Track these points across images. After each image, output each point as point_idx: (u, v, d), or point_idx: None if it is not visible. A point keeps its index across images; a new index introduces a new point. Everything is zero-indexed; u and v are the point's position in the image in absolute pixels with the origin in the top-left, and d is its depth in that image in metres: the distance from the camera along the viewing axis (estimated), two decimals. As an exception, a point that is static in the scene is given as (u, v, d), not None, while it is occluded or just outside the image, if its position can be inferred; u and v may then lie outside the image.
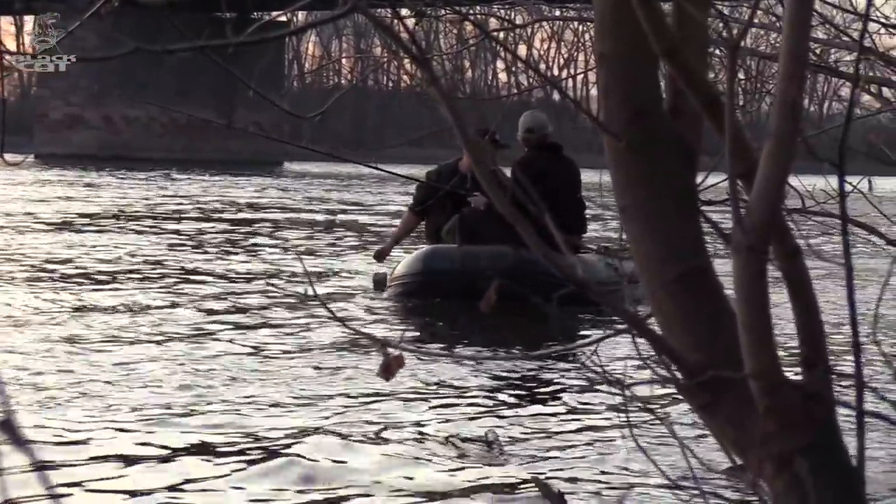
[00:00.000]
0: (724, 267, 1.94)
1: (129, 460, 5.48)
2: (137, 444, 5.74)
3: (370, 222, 23.02)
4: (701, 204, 3.24)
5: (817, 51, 5.29)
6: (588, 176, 10.72)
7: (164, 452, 5.61)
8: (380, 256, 11.74)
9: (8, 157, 2.57)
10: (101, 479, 5.20)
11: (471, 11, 6.86)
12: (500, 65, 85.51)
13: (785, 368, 1.85)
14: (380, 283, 11.41)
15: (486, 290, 2.11)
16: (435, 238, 11.22)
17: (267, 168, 53.76)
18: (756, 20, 6.06)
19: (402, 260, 11.25)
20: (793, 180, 3.39)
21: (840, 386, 1.99)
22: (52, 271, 12.72)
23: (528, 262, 9.42)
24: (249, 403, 6.64)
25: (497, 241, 10.09)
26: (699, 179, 2.23)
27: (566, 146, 11.43)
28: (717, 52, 4.35)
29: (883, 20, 5.50)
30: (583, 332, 9.00)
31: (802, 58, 1.82)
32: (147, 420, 6.19)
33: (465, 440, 5.97)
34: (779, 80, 1.81)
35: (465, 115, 1.88)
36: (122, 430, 5.98)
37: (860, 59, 3.90)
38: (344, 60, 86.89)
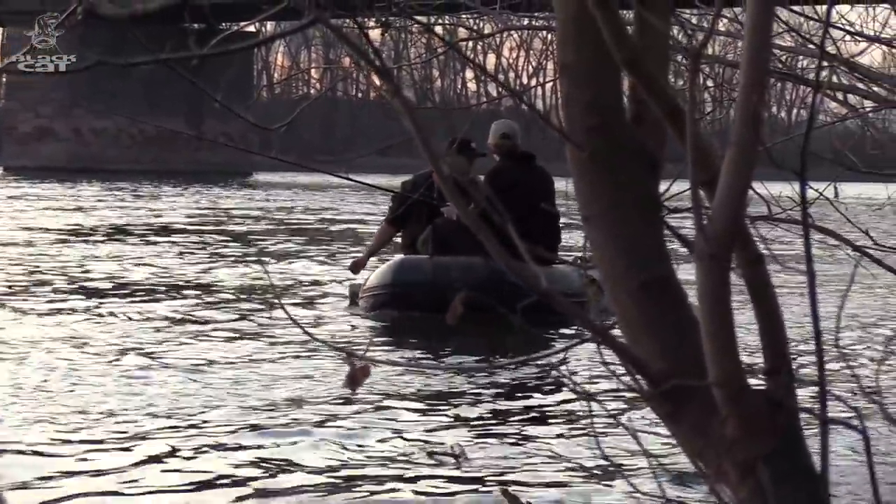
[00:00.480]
0: (688, 275, 1.94)
1: (88, 469, 5.47)
2: (91, 453, 5.74)
3: (347, 231, 23.01)
4: (667, 212, 3.25)
5: (783, 58, 5.30)
6: (558, 185, 10.71)
7: (122, 465, 5.62)
8: (356, 268, 11.61)
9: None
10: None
11: (439, 21, 6.88)
12: (469, 74, 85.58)
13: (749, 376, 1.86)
14: (356, 294, 11.34)
15: (457, 302, 2.10)
16: (411, 249, 11.10)
17: (237, 178, 53.66)
18: (724, 28, 6.09)
19: (374, 271, 11.17)
20: (760, 187, 3.41)
21: (804, 393, 2.00)
22: (31, 286, 12.67)
23: (500, 273, 9.38)
24: (215, 415, 6.62)
25: (470, 251, 9.97)
26: (663, 187, 2.24)
27: (536, 155, 11.34)
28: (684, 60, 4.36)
29: (848, 27, 5.52)
30: (551, 342, 8.99)
31: (763, 66, 1.82)
32: (107, 431, 6.18)
33: (431, 453, 5.96)
34: (740, 87, 1.81)
35: (432, 125, 1.88)
36: (82, 440, 5.97)
37: (821, 66, 3.92)
38: (313, 71, 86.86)
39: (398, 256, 11.18)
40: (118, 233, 20.58)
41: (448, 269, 10.30)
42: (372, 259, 11.64)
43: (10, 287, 12.30)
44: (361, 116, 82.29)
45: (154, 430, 6.25)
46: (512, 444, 6.23)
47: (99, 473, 5.49)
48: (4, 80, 59.84)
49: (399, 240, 11.56)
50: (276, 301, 11.08)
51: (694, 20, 5.44)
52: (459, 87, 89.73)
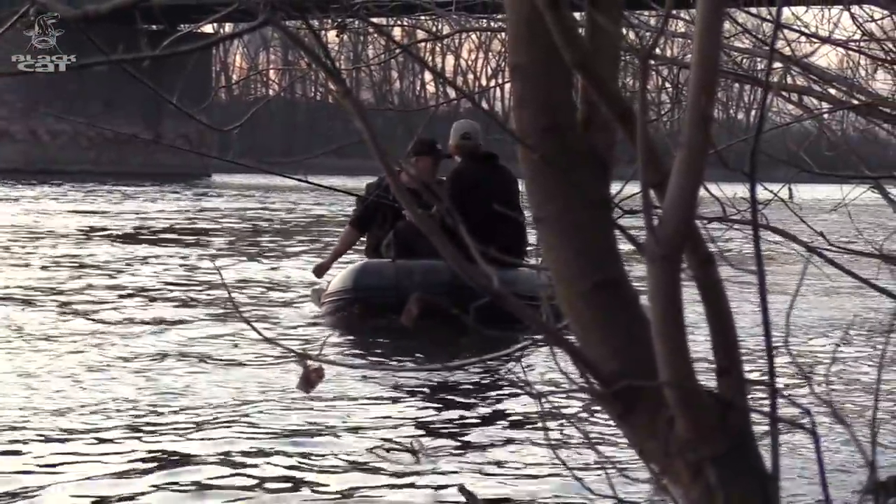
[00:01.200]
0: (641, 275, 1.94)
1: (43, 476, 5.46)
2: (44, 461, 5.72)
3: (310, 234, 22.95)
4: (623, 213, 3.25)
5: (739, 60, 5.32)
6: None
7: (78, 474, 5.60)
8: (319, 271, 11.52)
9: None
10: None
11: (397, 22, 6.87)
12: (428, 75, 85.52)
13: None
14: (319, 297, 11.27)
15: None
16: (375, 252, 11.03)
17: (195, 180, 53.47)
18: (683, 29, 6.10)
19: (336, 276, 11.08)
20: (715, 189, 3.42)
21: (755, 393, 2.01)
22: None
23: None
24: (171, 416, 6.61)
25: (433, 255, 9.87)
26: (616, 189, 2.24)
27: (498, 155, 11.23)
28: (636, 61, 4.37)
29: (803, 28, 5.54)
30: (509, 343, 8.97)
31: (713, 67, 1.83)
32: (58, 431, 6.16)
33: (389, 450, 5.97)
34: (690, 89, 1.82)
35: (387, 126, 1.87)
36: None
37: (771, 67, 3.93)
38: (272, 72, 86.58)
39: (361, 260, 11.12)
40: (83, 236, 20.46)
41: (411, 273, 10.26)
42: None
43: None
44: (321, 118, 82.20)
45: (106, 431, 6.23)
46: (469, 442, 6.24)
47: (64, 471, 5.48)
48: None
49: (365, 242, 11.49)
50: (231, 302, 11.04)
51: (652, 22, 5.45)
52: (419, 88, 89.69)
